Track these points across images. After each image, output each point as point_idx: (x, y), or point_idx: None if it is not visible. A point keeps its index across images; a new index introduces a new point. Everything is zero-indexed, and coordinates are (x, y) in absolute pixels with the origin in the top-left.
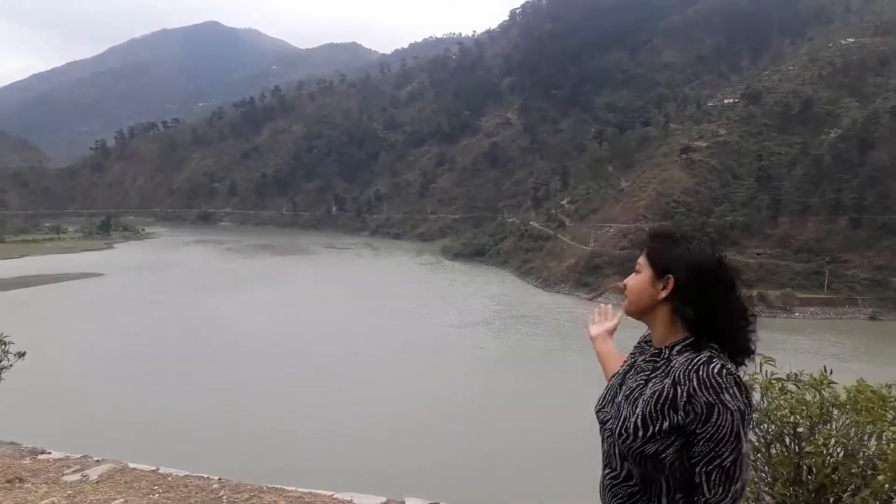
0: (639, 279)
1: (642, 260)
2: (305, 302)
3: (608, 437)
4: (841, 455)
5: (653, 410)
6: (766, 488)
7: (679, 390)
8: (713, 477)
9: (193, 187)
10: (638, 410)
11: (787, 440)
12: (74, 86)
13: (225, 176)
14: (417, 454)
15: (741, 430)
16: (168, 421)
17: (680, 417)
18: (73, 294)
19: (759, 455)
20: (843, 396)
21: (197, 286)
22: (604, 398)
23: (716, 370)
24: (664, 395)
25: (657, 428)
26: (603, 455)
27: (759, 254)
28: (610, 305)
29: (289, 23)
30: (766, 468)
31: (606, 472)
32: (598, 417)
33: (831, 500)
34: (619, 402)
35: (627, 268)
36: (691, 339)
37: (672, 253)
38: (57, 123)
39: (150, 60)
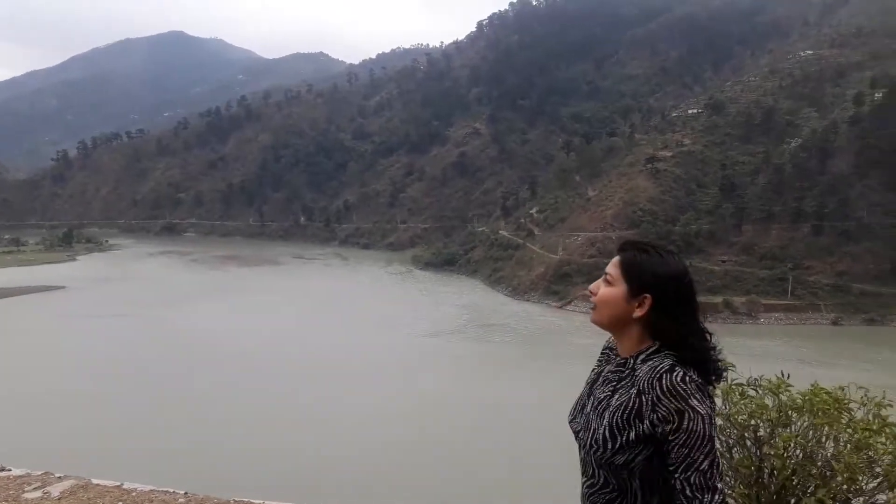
0: (611, 293)
1: (614, 271)
2: (273, 313)
3: (582, 446)
4: (800, 457)
5: (619, 421)
6: (729, 491)
7: (644, 399)
8: (693, 481)
9: (158, 198)
10: (605, 422)
11: (748, 443)
12: (35, 95)
13: (190, 186)
14: (389, 466)
15: (712, 434)
16: (133, 434)
17: (646, 427)
18: (33, 308)
19: (721, 459)
20: (800, 400)
21: (161, 298)
22: (574, 409)
23: (678, 377)
24: (629, 405)
25: (625, 438)
26: (581, 463)
27: (724, 261)
28: None
29: (255, 32)
30: (729, 472)
31: (584, 480)
32: (571, 427)
33: (792, 501)
34: (588, 414)
35: (596, 275)
36: (654, 348)
37: (647, 268)
38: (17, 134)
39: (114, 70)
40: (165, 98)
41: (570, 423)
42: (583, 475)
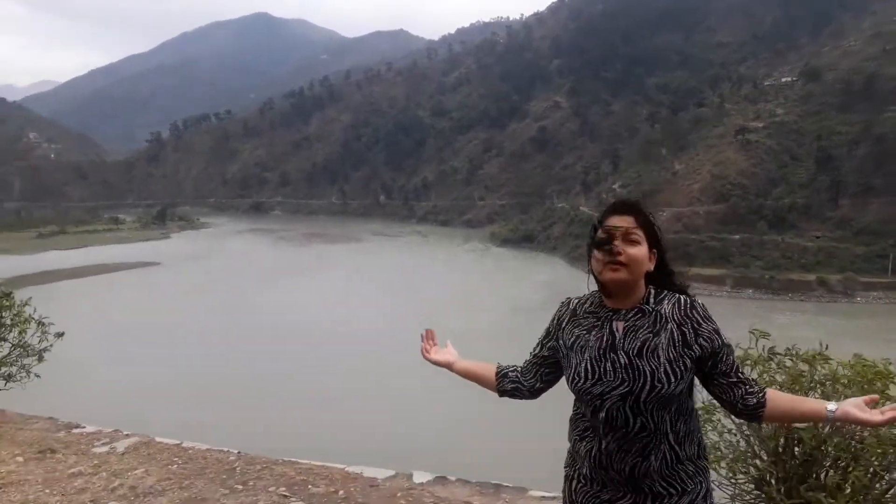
0: (642, 252)
1: (638, 231)
2: (356, 288)
3: (616, 402)
4: (828, 430)
5: (674, 354)
6: (756, 461)
7: (685, 330)
8: (743, 377)
9: (245, 177)
10: (663, 360)
11: None
12: (130, 81)
13: (276, 166)
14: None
15: None
16: (205, 399)
17: (695, 351)
18: (130, 283)
19: (745, 427)
20: (841, 371)
21: (250, 274)
22: (588, 372)
23: (700, 304)
24: (677, 339)
25: (682, 368)
26: (601, 424)
27: (818, 237)
28: (434, 329)
29: (337, 11)
30: (756, 442)
31: (611, 436)
32: (591, 392)
33: (821, 474)
34: (625, 366)
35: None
36: (656, 290)
37: (653, 224)
38: (114, 117)
39: (202, 53)
40: (251, 79)
41: (588, 388)
42: (605, 435)
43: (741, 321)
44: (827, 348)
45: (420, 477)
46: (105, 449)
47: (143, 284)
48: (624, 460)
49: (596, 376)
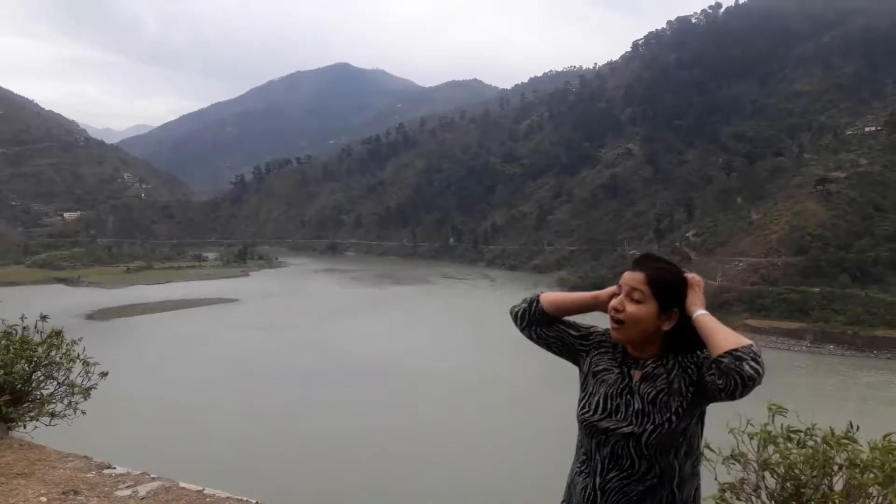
0: (643, 310)
1: (644, 289)
2: (423, 330)
3: (620, 440)
4: None
5: (681, 398)
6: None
7: (691, 371)
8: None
9: (323, 219)
10: (673, 409)
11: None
12: (217, 125)
13: (352, 209)
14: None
15: None
16: (252, 442)
17: (695, 378)
18: (209, 317)
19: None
20: (864, 456)
21: (322, 312)
22: (600, 406)
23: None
24: (685, 383)
25: (686, 405)
26: (602, 460)
27: None
28: None
29: (413, 62)
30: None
31: (613, 474)
32: (598, 426)
33: None
34: (638, 410)
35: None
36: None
37: (671, 281)
38: (202, 160)
39: (286, 101)
40: (331, 126)
41: (596, 421)
42: (610, 471)
43: (822, 377)
44: (858, 430)
45: None
46: (127, 493)
47: (220, 319)
48: (620, 502)
49: (607, 412)
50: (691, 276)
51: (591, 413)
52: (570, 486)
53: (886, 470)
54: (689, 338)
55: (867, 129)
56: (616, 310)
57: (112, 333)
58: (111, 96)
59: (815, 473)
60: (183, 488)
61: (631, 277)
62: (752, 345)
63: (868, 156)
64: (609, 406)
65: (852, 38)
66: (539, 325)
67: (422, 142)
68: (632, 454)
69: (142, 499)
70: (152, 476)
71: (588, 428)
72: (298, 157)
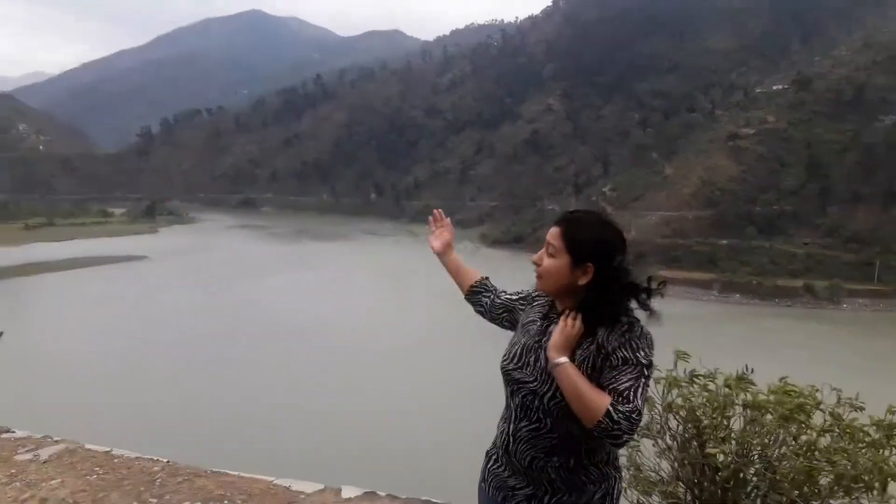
0: (554, 264)
1: (556, 243)
2: (344, 288)
3: (528, 394)
4: (755, 457)
5: (589, 374)
6: (673, 485)
7: (603, 355)
8: (617, 390)
9: (236, 173)
10: None
11: (690, 438)
12: (122, 74)
13: (267, 162)
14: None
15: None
16: (161, 403)
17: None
18: (116, 276)
19: (669, 451)
20: (762, 397)
21: (237, 270)
22: (517, 356)
23: (640, 328)
24: (591, 362)
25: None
26: (515, 408)
27: (806, 244)
28: (441, 211)
29: (331, 11)
30: (677, 465)
31: (524, 424)
32: (511, 375)
33: (739, 501)
34: (544, 368)
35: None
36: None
37: (586, 237)
38: (105, 111)
39: (196, 49)
40: (244, 76)
41: (510, 370)
42: (520, 420)
43: (728, 325)
44: (752, 372)
45: (349, 492)
46: (28, 456)
47: (129, 279)
48: (527, 452)
49: (520, 364)
50: (561, 320)
51: (507, 361)
52: (497, 433)
53: (781, 411)
54: (612, 299)
55: (774, 87)
56: (536, 263)
57: (10, 294)
58: (5, 38)
59: (715, 415)
60: (89, 450)
61: (550, 232)
62: (609, 409)
63: (775, 113)
64: (524, 358)
65: None
66: (480, 306)
67: (341, 94)
68: (537, 409)
69: (44, 462)
70: (55, 439)
71: (504, 375)
72: (209, 108)
